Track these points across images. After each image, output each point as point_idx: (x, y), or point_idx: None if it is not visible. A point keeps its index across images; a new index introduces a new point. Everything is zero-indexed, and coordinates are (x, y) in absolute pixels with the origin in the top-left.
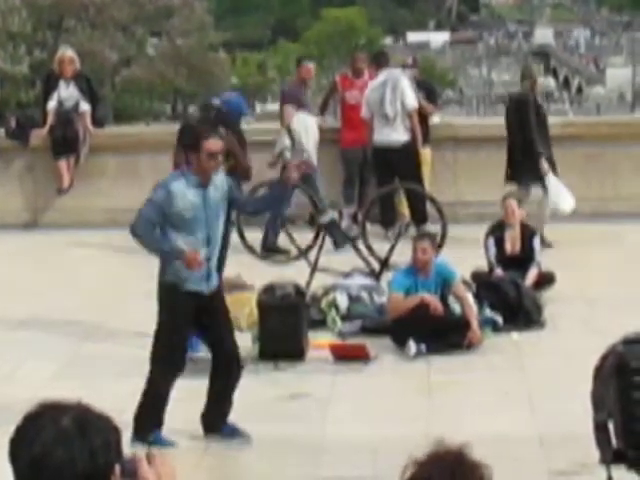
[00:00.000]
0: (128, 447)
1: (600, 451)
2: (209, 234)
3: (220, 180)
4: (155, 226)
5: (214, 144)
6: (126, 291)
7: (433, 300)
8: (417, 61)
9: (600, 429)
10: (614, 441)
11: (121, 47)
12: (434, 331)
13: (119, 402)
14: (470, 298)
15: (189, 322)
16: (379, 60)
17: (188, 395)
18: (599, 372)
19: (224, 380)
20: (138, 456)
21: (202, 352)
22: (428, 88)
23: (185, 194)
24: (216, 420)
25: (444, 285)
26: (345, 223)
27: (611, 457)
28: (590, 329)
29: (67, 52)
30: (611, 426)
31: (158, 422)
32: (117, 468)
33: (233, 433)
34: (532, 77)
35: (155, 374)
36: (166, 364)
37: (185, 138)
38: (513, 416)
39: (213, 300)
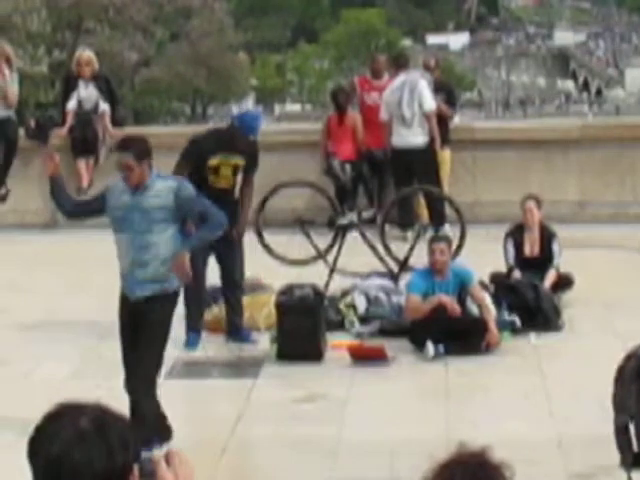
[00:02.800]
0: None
1: (620, 454)
2: (135, 238)
3: (164, 187)
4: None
5: (119, 157)
6: None
7: (450, 302)
8: (439, 63)
9: (621, 432)
10: (635, 444)
11: (140, 48)
12: (452, 333)
13: None
14: (488, 300)
15: (127, 324)
16: (398, 62)
17: (205, 396)
18: (620, 375)
19: None
20: (156, 456)
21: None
22: (448, 90)
23: (119, 194)
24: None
25: (461, 287)
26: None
27: (632, 460)
28: (608, 332)
29: (85, 53)
30: (632, 429)
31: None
32: (135, 468)
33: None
34: None
35: None
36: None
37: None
38: (531, 418)
39: (135, 310)
